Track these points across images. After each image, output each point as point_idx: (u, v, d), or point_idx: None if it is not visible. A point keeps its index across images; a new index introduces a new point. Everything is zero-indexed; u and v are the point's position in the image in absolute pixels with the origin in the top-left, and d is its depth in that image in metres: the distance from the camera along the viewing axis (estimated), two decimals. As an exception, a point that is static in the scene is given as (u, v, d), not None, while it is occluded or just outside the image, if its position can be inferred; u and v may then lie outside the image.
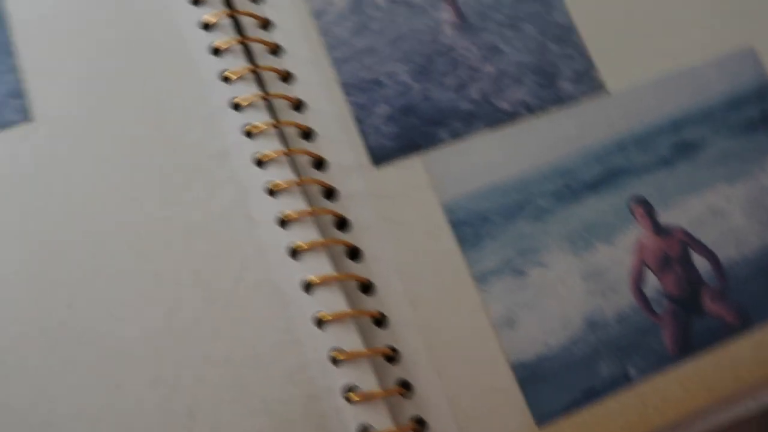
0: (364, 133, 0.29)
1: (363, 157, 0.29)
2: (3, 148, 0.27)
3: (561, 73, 0.31)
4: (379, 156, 0.29)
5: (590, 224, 0.30)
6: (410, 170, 0.29)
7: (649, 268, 0.30)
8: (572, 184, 0.30)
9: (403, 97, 0.30)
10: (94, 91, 0.28)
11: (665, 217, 0.30)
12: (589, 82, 0.31)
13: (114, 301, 0.25)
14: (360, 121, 0.29)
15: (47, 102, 0.27)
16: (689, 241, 0.31)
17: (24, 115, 0.27)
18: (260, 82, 0.29)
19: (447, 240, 0.28)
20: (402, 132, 0.29)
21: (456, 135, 0.30)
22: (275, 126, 0.28)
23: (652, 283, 0.30)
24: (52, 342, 0.24)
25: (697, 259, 0.30)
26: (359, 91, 0.29)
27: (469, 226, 0.29)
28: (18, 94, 0.28)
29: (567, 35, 0.32)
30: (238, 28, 0.30)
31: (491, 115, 0.30)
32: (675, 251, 0.30)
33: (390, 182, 0.29)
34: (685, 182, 0.31)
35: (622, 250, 0.30)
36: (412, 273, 0.28)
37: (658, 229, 0.30)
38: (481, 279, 0.28)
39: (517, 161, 0.30)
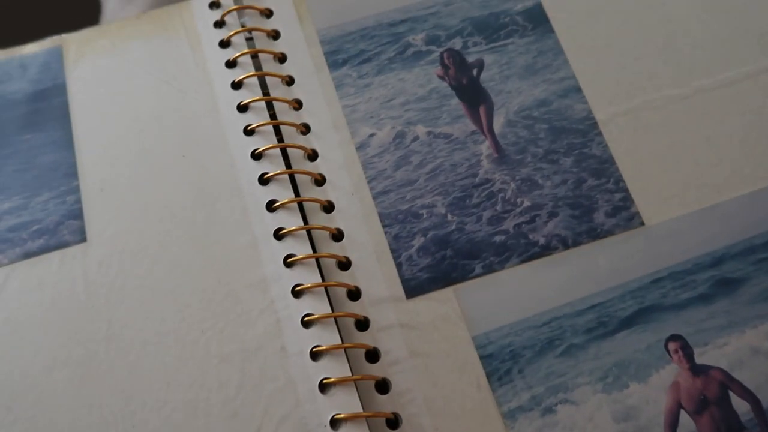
0: (398, 264, 0.30)
1: (396, 288, 0.30)
2: (57, 267, 0.29)
3: (597, 206, 0.32)
4: (412, 287, 0.30)
5: (623, 362, 0.30)
6: (442, 303, 0.30)
7: (685, 409, 0.29)
8: (605, 320, 0.30)
9: (439, 229, 0.31)
10: (146, 217, 0.30)
11: (703, 357, 0.30)
12: (625, 215, 0.32)
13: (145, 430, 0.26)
14: (395, 251, 0.30)
15: (102, 224, 0.30)
16: (728, 382, 0.30)
17: (80, 236, 0.30)
18: (303, 212, 0.31)
19: (476, 375, 0.29)
20: (435, 264, 0.30)
21: (489, 268, 0.30)
22: (315, 257, 0.30)
23: (687, 426, 0.29)
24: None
25: (736, 401, 0.30)
26: (396, 222, 0.31)
27: (500, 361, 0.29)
28: (76, 215, 0.30)
29: (605, 168, 0.32)
30: (286, 158, 0.32)
31: (525, 249, 0.31)
32: (713, 393, 0.30)
33: (421, 314, 0.29)
34: (725, 320, 0.31)
35: (656, 389, 0.29)
36: (440, 407, 0.28)
37: (695, 369, 0.30)
38: (509, 416, 0.28)
39: (549, 295, 0.30)
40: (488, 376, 0.29)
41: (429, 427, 0.28)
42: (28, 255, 0.29)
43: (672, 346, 0.30)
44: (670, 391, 0.29)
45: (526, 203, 0.32)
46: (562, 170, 0.32)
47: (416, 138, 0.32)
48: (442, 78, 0.34)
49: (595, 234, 0.31)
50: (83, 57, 0.33)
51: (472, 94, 0.33)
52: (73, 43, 0.34)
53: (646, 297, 0.31)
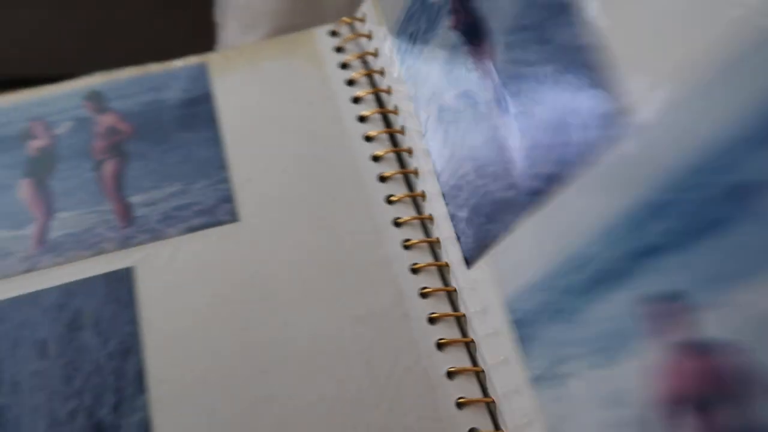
0: (458, 238, 0.32)
1: (460, 259, 0.32)
2: (216, 241, 0.37)
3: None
4: (468, 258, 0.32)
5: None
6: (482, 270, 0.30)
7: None
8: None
9: (473, 197, 0.30)
10: (287, 204, 0.38)
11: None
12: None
13: (296, 373, 0.34)
14: (455, 227, 0.33)
15: (250, 208, 0.38)
16: None
17: (232, 216, 0.38)
18: (416, 204, 0.36)
19: (507, 341, 0.29)
20: (475, 232, 0.30)
21: (508, 227, 0.28)
22: (425, 242, 0.35)
23: None
24: (245, 400, 0.33)
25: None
26: (450, 199, 0.32)
27: (527, 326, 0.27)
28: (228, 199, 0.38)
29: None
30: (401, 162, 0.37)
31: (526, 199, 0.26)
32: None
33: (474, 281, 0.31)
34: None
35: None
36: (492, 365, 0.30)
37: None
38: (534, 382, 0.27)
39: (557, 245, 0.25)
40: (517, 341, 0.28)
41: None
42: (192, 229, 0.37)
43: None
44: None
45: (526, 143, 0.26)
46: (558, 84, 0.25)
47: (451, 109, 0.31)
48: (455, 29, 0.30)
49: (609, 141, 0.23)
50: (225, 71, 0.41)
51: (476, 32, 0.29)
52: (216, 60, 0.42)
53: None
